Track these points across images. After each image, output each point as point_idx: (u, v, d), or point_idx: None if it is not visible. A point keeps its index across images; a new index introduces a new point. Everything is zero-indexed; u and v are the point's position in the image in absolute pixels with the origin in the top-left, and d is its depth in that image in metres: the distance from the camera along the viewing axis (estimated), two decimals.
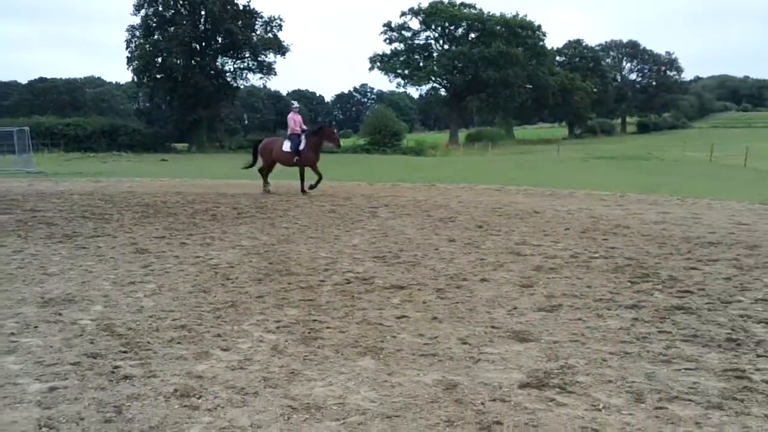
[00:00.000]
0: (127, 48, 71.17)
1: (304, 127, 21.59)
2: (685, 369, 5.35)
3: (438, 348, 5.89)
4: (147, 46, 69.19)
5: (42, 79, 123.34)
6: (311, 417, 4.46)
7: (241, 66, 75.43)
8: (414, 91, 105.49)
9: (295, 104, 22.40)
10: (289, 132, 21.33)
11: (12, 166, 37.06)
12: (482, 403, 4.67)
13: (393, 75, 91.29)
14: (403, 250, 10.71)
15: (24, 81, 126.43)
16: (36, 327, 6.51)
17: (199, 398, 4.75)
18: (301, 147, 20.65)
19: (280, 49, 73.84)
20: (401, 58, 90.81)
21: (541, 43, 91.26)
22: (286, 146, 20.89)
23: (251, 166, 22.47)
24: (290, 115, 21.50)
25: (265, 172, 21.81)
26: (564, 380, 5.10)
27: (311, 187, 20.51)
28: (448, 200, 18.67)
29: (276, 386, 4.99)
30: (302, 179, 20.81)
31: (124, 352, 5.76)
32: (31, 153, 39.35)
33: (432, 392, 4.88)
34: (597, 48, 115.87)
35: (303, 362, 5.53)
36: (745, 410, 4.55)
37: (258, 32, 73.59)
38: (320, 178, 20.71)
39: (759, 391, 4.88)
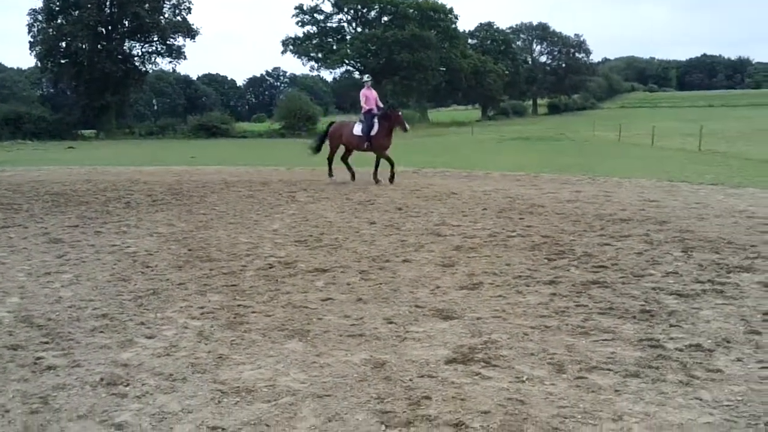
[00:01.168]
0: (29, 32, 68.63)
1: (380, 104, 19.15)
2: (603, 340, 5.57)
3: (364, 328, 5.96)
4: (50, 30, 66.85)
5: None
6: (242, 400, 4.47)
7: (150, 50, 73.67)
8: (328, 75, 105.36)
9: (368, 78, 19.93)
10: (362, 111, 18.94)
11: None
12: (410, 380, 4.76)
13: (306, 58, 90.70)
14: (324, 234, 10.74)
15: None
16: None
17: (126, 386, 4.70)
18: (374, 132, 18.53)
19: (190, 33, 72.38)
20: (314, 41, 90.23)
21: (453, 26, 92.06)
22: (357, 129, 18.85)
23: (317, 150, 20.66)
24: (363, 91, 19.06)
25: (330, 156, 20.09)
26: (488, 355, 5.24)
27: (390, 179, 18.59)
28: (367, 183, 18.75)
29: (204, 371, 4.97)
30: (376, 166, 18.98)
31: (46, 342, 5.63)
32: None
33: (361, 371, 4.95)
34: (508, 31, 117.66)
35: (230, 347, 5.51)
36: (661, 377, 4.77)
37: (166, 15, 71.93)
38: (392, 165, 18.66)
39: (673, 359, 5.12)
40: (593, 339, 5.60)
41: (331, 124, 20.77)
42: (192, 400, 4.46)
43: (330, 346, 5.50)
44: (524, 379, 4.77)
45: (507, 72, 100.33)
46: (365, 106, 18.81)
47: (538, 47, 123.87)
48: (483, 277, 7.75)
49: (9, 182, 20.44)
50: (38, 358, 5.24)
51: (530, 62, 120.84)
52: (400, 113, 18.79)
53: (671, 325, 5.93)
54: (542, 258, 8.75)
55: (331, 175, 19.85)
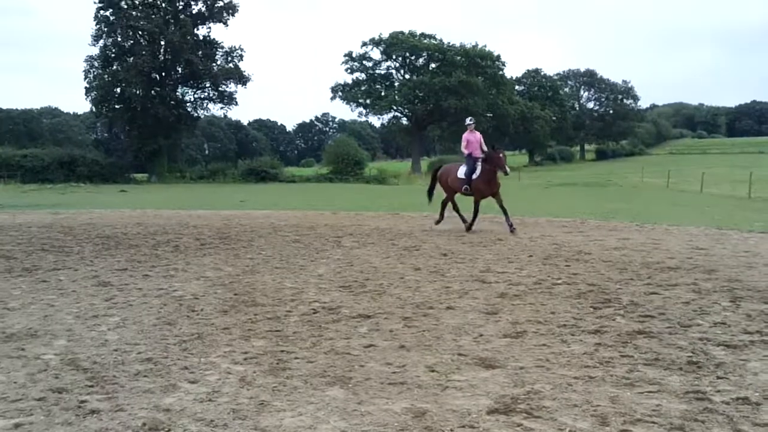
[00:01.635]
0: (85, 78, 70.73)
1: (485, 148, 18.13)
2: (648, 392, 5.45)
3: (406, 376, 5.92)
4: (106, 76, 68.81)
5: None
6: None
7: (202, 96, 75.32)
8: (376, 120, 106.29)
9: (471, 121, 18.69)
10: (466, 154, 18.06)
11: None
12: (451, 430, 4.71)
13: (355, 104, 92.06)
14: (368, 279, 10.75)
15: None
16: None
17: (167, 431, 4.72)
18: (475, 175, 17.70)
19: (241, 79, 73.88)
20: (363, 88, 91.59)
21: (500, 72, 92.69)
22: (461, 172, 18.12)
23: (429, 197, 20.23)
24: (465, 135, 18.23)
25: (444, 202, 19.31)
26: (530, 405, 5.17)
27: (467, 227, 17.99)
28: (412, 229, 18.78)
29: (245, 417, 4.98)
30: (475, 213, 18.16)
31: (90, 386, 5.70)
32: None
33: (401, 420, 4.91)
34: (555, 77, 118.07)
35: (272, 393, 5.52)
36: (707, 431, 4.65)
37: (218, 62, 73.61)
38: (504, 211, 17.59)
39: (719, 412, 4.99)
40: (638, 391, 5.48)
41: (438, 167, 20.54)
42: None
43: (371, 394, 5.47)
44: (567, 431, 4.69)
45: (554, 118, 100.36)
46: (466, 151, 18.00)
47: (586, 93, 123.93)
48: (527, 326, 7.67)
49: (61, 225, 20.90)
50: (82, 402, 5.30)
51: (578, 108, 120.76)
52: (501, 155, 17.53)
53: (718, 377, 5.79)
54: (588, 306, 8.63)
55: (438, 222, 19.10)
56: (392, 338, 7.21)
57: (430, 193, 20.15)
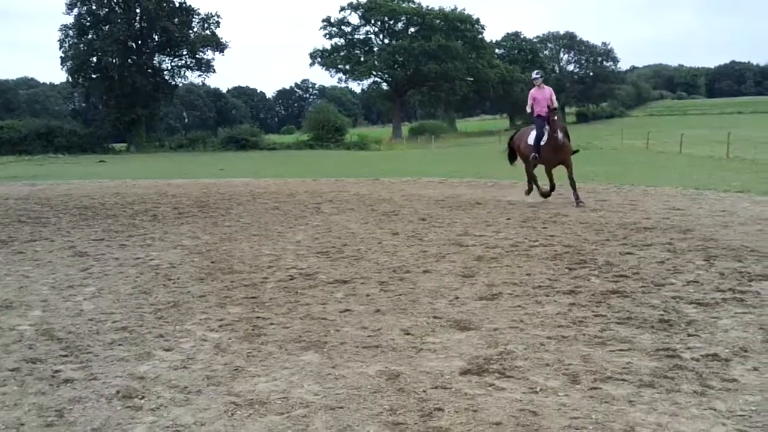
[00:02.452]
0: (60, 48, 69.82)
1: (555, 104, 15.37)
2: (619, 350, 5.52)
3: (381, 340, 5.96)
4: (81, 45, 67.93)
5: None
6: (255, 412, 4.48)
7: (179, 64, 74.54)
8: (356, 86, 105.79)
9: (537, 74, 15.95)
10: (534, 115, 15.57)
11: None
12: (424, 391, 4.75)
13: (334, 70, 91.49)
14: (346, 245, 10.77)
15: None
16: None
17: (141, 399, 4.74)
18: (543, 141, 15.31)
19: (219, 46, 73.17)
20: (342, 53, 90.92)
21: (480, 36, 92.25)
22: (531, 137, 15.78)
23: (510, 161, 18.03)
24: (531, 92, 15.70)
25: (528, 170, 16.63)
26: (503, 365, 5.22)
27: (544, 195, 16.03)
28: (392, 194, 18.78)
29: (219, 384, 5.00)
30: (551, 180, 15.95)
31: (65, 356, 5.70)
32: None
33: (375, 383, 4.94)
34: (535, 40, 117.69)
35: (246, 359, 5.54)
36: (676, 387, 4.72)
37: (195, 29, 72.80)
38: (552, 187, 15.91)
39: (689, 368, 5.06)
40: (609, 349, 5.55)
41: (514, 133, 18.17)
42: (205, 413, 4.49)
43: (346, 358, 5.51)
44: (538, 390, 4.74)
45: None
46: (536, 109, 15.50)
47: (566, 56, 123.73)
48: (502, 288, 7.72)
49: (39, 196, 20.74)
50: (56, 371, 5.30)
51: (558, 71, 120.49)
52: (555, 117, 15.09)
53: (689, 335, 5.86)
54: (563, 268, 8.70)
55: (528, 192, 16.72)
56: (368, 303, 7.25)
57: (510, 158, 17.94)
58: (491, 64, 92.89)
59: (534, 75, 15.86)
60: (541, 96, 15.32)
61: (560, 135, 15.06)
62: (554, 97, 15.35)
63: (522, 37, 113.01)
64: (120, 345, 5.97)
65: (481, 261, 9.27)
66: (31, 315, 7.05)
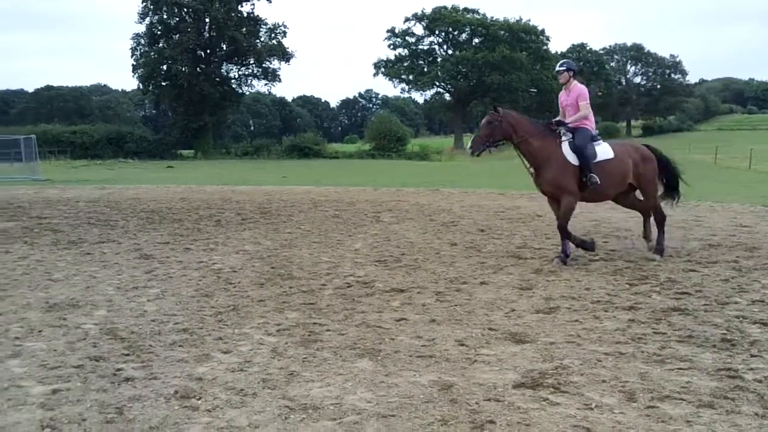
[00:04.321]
0: (132, 56, 71.74)
1: (581, 110, 10.41)
2: (679, 369, 5.42)
3: (435, 350, 5.97)
4: (152, 53, 69.66)
5: (48, 87, 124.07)
6: (308, 417, 4.54)
7: (246, 72, 75.84)
8: (418, 96, 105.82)
9: (562, 66, 10.82)
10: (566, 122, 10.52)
11: (19, 173, 37.26)
12: (476, 403, 4.75)
13: (397, 80, 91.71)
14: (404, 254, 10.80)
15: (30, 89, 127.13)
16: (40, 331, 6.61)
17: (198, 399, 4.84)
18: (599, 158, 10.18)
19: (285, 56, 74.15)
20: (405, 64, 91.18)
21: (544, 47, 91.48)
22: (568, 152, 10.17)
23: None
24: (560, 95, 10.96)
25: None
26: (558, 380, 5.18)
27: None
28: (452, 204, 18.75)
29: (274, 387, 5.08)
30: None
31: (127, 355, 5.86)
32: (37, 161, 39.53)
33: (427, 392, 4.96)
34: (601, 52, 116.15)
35: (302, 364, 5.61)
36: (736, 409, 4.62)
37: (262, 39, 73.97)
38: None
39: (750, 390, 4.95)
40: (668, 367, 5.45)
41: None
42: (260, 416, 4.57)
43: (399, 366, 5.53)
44: (593, 406, 4.69)
45: (600, 93, 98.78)
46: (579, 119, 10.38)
47: (633, 68, 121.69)
48: (560, 301, 7.66)
49: (108, 200, 21.30)
50: (118, 370, 5.46)
51: (624, 83, 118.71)
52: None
53: (752, 355, 5.72)
54: (624, 283, 8.57)
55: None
56: (424, 312, 7.27)
57: None
58: (555, 76, 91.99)
59: (557, 68, 10.96)
60: (566, 100, 10.69)
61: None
62: (583, 102, 10.41)
63: (588, 48, 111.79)
64: (180, 346, 6.11)
65: (539, 274, 9.20)
66: (96, 314, 7.26)
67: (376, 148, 68.41)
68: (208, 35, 70.46)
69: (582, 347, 6.01)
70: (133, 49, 71.45)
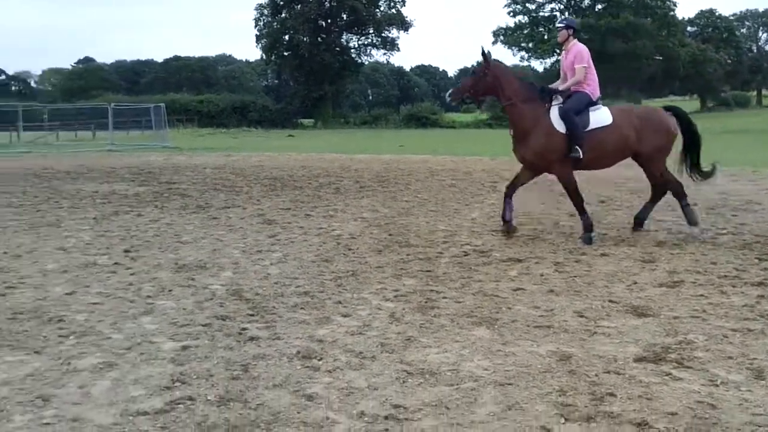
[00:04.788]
0: (255, 26, 73.60)
1: (576, 74, 9.54)
2: None
3: (553, 320, 5.91)
4: (275, 24, 71.18)
5: (176, 58, 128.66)
6: (425, 381, 4.60)
7: (365, 42, 76.48)
8: (538, 65, 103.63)
9: (562, 23, 10.15)
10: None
11: (149, 141, 39.00)
12: (596, 375, 4.68)
13: (517, 48, 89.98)
14: (522, 224, 10.69)
15: (160, 59, 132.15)
16: (170, 290, 6.95)
17: (319, 360, 4.98)
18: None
19: (403, 25, 74.24)
20: (525, 31, 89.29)
21: (671, 12, 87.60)
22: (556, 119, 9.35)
23: None
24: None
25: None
26: (682, 355, 5.03)
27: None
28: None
29: (392, 351, 5.16)
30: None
31: (251, 315, 6.08)
32: (166, 129, 41.27)
33: (545, 362, 4.93)
34: (731, 18, 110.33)
35: (419, 330, 5.68)
36: None
37: (382, 8, 74.19)
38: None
39: None
40: None
41: None
42: (378, 378, 4.66)
43: (516, 336, 5.51)
44: (718, 382, 4.55)
45: (729, 61, 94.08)
46: (582, 81, 9.63)
47: (765, 35, 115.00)
48: (685, 275, 7.41)
49: (233, 166, 22.04)
50: (243, 329, 5.68)
51: (755, 51, 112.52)
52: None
53: None
54: (753, 258, 8.20)
55: None
56: (542, 282, 7.19)
57: None
58: (682, 43, 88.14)
59: (556, 24, 9.97)
60: (565, 62, 9.81)
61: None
62: (579, 64, 9.47)
63: (717, 14, 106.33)
64: (302, 308, 6.29)
65: (663, 247, 8.92)
66: (222, 276, 7.57)
67: (494, 118, 67.62)
68: (328, 5, 71.32)
69: (707, 322, 5.81)
70: (257, 20, 73.22)
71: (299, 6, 69.04)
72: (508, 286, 7.07)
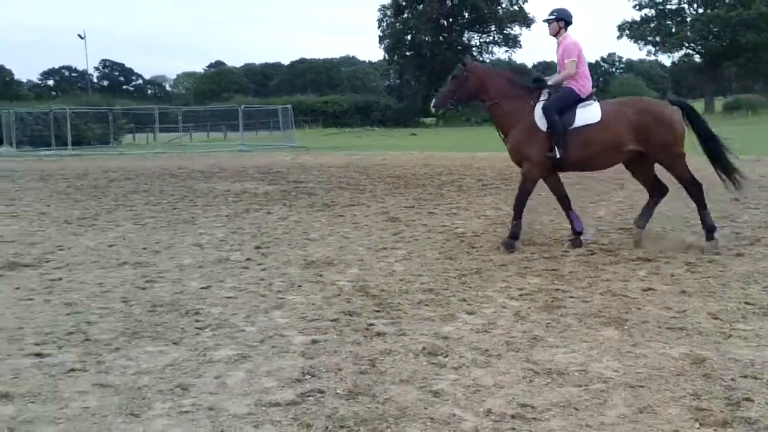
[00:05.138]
0: (378, 27, 74.51)
1: (566, 68, 8.97)
2: None
3: (686, 322, 5.72)
4: (397, 24, 71.77)
5: (302, 60, 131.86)
6: (553, 381, 4.56)
7: (487, 40, 76.07)
8: (665, 59, 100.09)
9: (552, 15, 9.28)
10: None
11: (277, 141, 40.16)
12: (732, 379, 4.51)
13: (643, 42, 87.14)
14: (651, 222, 10.36)
15: (286, 62, 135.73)
16: (300, 286, 7.15)
17: (445, 357, 5.01)
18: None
19: (525, 21, 73.46)
20: (652, 25, 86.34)
21: None
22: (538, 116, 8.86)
23: None
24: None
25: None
26: None
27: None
28: (702, 172, 17.64)
29: (518, 350, 5.14)
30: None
31: (377, 311, 6.19)
32: (293, 129, 42.44)
33: (678, 365, 4.78)
34: None
35: (545, 329, 5.62)
36: None
37: (503, 5, 73.57)
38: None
39: None
40: None
41: None
42: (504, 377, 4.65)
43: (647, 337, 5.37)
44: None
45: None
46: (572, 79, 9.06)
47: None
48: None
49: (357, 165, 22.41)
50: (370, 325, 5.78)
51: None
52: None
53: None
54: None
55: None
56: (673, 283, 6.97)
57: None
58: None
59: (548, 15, 9.40)
60: (557, 55, 9.25)
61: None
62: (569, 58, 8.93)
63: None
64: (426, 305, 6.35)
65: None
66: (349, 272, 7.73)
67: None
68: (450, 4, 71.44)
69: None
70: (380, 21, 74.12)
71: (421, 6, 69.41)
72: (637, 286, 6.89)
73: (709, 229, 8.67)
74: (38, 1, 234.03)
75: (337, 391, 4.42)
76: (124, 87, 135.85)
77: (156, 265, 8.20)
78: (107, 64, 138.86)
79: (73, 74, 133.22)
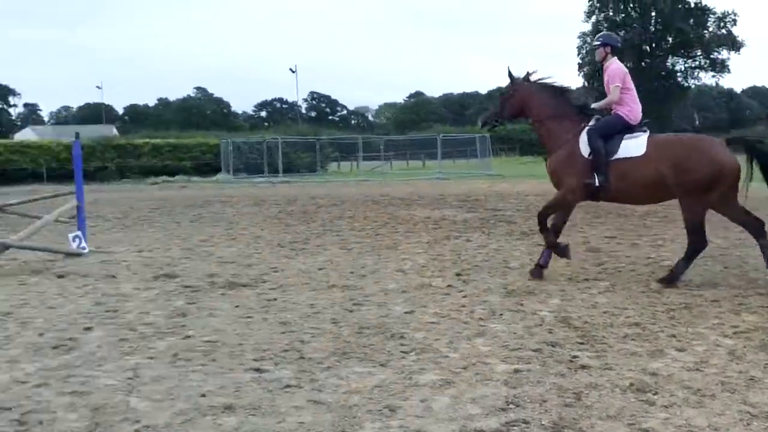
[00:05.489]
0: (578, 54, 73.04)
1: (610, 94, 8.90)
2: None
3: None
4: None
5: (498, 89, 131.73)
6: None
7: (692, 65, 72.72)
8: None
9: (599, 41, 9.41)
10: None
11: (474, 169, 40.49)
12: None
13: None
14: None
15: (483, 91, 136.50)
16: (501, 314, 7.17)
17: (654, 394, 4.85)
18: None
19: (734, 45, 69.55)
20: None
21: None
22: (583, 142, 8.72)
23: None
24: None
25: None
26: None
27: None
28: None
29: (734, 391, 4.88)
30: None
31: (581, 343, 6.09)
32: (490, 157, 42.60)
33: None
34: None
35: (763, 370, 5.30)
36: None
37: (710, 29, 70.21)
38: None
39: None
40: None
41: None
42: (719, 418, 4.43)
43: None
44: None
45: None
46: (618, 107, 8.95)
47: None
48: None
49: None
50: (573, 357, 5.70)
51: None
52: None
53: None
54: None
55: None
56: None
57: None
58: None
59: (594, 42, 9.61)
60: (604, 81, 9.10)
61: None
62: (613, 84, 8.79)
63: None
64: (633, 339, 6.17)
65: None
66: (550, 302, 7.66)
67: None
68: (653, 29, 69.01)
69: None
70: (579, 48, 72.79)
71: (623, 32, 67.61)
72: None
73: (672, 278, 8.35)
74: (252, 37, 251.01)
75: (542, 422, 4.40)
76: (330, 117, 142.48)
77: (362, 289, 8.53)
78: (315, 96, 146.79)
79: (284, 105, 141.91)
